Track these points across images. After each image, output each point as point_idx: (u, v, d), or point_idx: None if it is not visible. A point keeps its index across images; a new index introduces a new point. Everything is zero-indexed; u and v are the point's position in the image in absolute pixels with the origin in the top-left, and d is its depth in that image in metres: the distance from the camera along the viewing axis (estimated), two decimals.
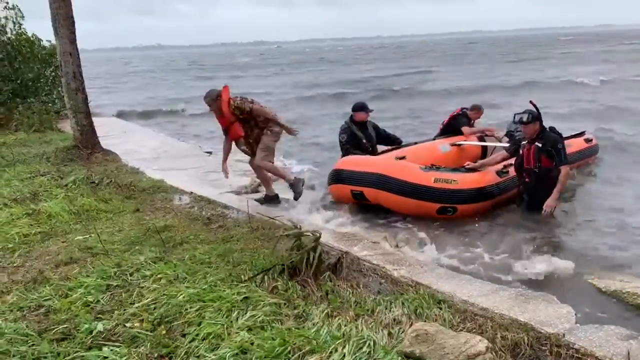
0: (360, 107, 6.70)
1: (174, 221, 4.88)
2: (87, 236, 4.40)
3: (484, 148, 7.64)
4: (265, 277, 3.47)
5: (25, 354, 2.56)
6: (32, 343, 2.66)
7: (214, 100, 5.68)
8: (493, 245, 4.87)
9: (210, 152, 9.51)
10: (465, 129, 7.60)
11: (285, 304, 3.15)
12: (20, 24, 12.45)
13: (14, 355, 2.58)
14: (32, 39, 12.78)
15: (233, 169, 7.88)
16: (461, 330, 2.94)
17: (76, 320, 2.89)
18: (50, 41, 12.78)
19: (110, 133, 10.83)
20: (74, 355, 2.57)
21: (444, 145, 7.28)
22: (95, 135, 8.51)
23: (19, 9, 12.29)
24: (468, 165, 5.99)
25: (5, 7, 12.10)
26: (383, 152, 6.70)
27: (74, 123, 8.38)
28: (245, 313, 2.95)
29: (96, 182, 6.33)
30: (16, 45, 12.09)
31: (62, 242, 4.34)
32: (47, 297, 3.22)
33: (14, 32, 12.28)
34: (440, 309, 3.22)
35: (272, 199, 6.13)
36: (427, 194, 5.45)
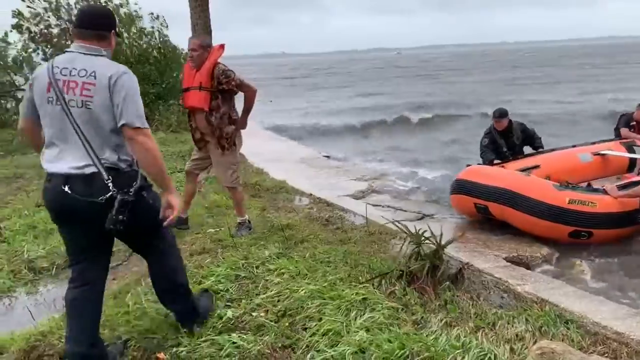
0: (499, 115, 6.45)
1: (295, 220, 5.08)
2: (218, 229, 4.72)
3: (632, 160, 6.62)
4: (383, 280, 3.51)
5: (166, 332, 2.83)
6: (171, 323, 2.92)
7: (203, 47, 4.29)
8: (630, 267, 4.49)
9: (328, 156, 9.74)
10: (624, 130, 6.88)
11: (403, 309, 3.17)
12: (165, 33, 13.66)
13: (154, 333, 2.86)
14: (175, 46, 13.94)
15: (349, 173, 8.05)
16: (592, 353, 2.76)
17: None
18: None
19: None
20: (206, 337, 2.79)
21: (585, 154, 6.56)
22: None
23: (164, 19, 13.48)
24: (618, 192, 5.20)
25: (152, 18, 13.33)
26: (517, 158, 6.38)
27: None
28: (364, 314, 3.01)
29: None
30: (162, 52, 13.22)
31: (196, 233, 4.70)
32: None
33: (160, 40, 13.48)
34: (568, 328, 3.05)
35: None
36: (559, 216, 5.00)
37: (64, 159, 2.35)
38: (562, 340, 2.88)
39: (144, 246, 2.66)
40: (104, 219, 2.29)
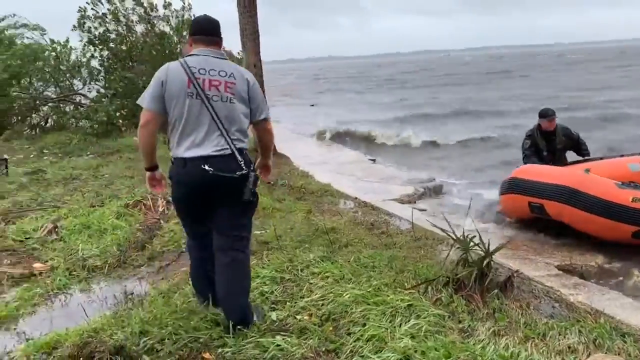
0: (544, 114, 6.22)
1: (340, 224, 5.07)
2: (263, 231, 4.77)
3: None
4: (429, 287, 3.45)
5: (212, 331, 2.87)
6: (217, 324, 2.97)
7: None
8: None
9: (374, 160, 9.70)
10: None
11: (449, 316, 3.11)
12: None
13: (200, 331, 2.90)
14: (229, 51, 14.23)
15: (396, 178, 7.98)
16: None
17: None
18: (240, 53, 14.16)
19: (285, 139, 11.59)
20: (250, 339, 2.81)
21: (635, 164, 6.33)
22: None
23: None
24: None
25: None
26: (565, 164, 6.18)
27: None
28: (409, 320, 2.97)
29: (272, 182, 6.83)
30: None
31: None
32: None
33: None
34: (625, 342, 2.91)
35: None
36: (622, 215, 4.80)
37: (203, 144, 2.77)
38: (618, 354, 2.75)
39: (234, 228, 2.93)
40: (235, 192, 2.80)
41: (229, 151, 2.79)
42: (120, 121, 12.20)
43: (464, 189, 8.06)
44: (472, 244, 3.63)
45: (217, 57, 2.87)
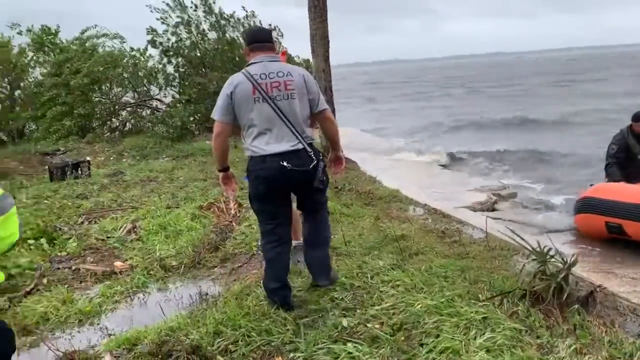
0: (638, 117, 5.84)
1: (410, 231, 4.99)
2: (332, 236, 4.76)
3: None
4: (505, 299, 3.32)
5: (284, 335, 2.90)
6: (288, 327, 3.00)
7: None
8: None
9: (444, 166, 9.50)
10: None
11: (526, 331, 2.98)
12: (280, 42, 14.18)
13: (273, 335, 2.94)
14: (290, 54, 14.42)
15: (467, 184, 7.78)
16: None
17: (324, 314, 3.17)
18: (299, 57, 14.38)
19: (351, 143, 11.59)
20: (322, 345, 2.82)
21: None
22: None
23: (279, 29, 14.00)
24: None
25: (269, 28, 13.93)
26: None
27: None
28: (484, 333, 2.87)
29: (339, 187, 6.85)
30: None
31: None
32: (299, 288, 3.59)
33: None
34: None
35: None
36: None
37: (278, 142, 3.06)
38: None
39: (315, 202, 3.36)
40: (309, 182, 3.13)
41: (300, 146, 3.09)
42: (194, 125, 12.65)
43: (538, 196, 7.75)
44: (549, 255, 3.48)
45: (273, 61, 3.18)
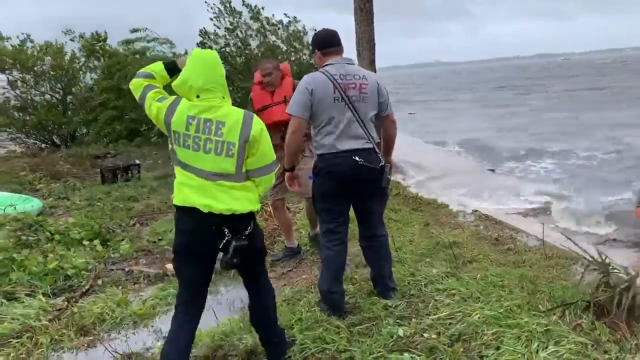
0: None
1: (462, 238, 4.87)
2: None
3: None
4: (567, 311, 3.18)
5: (338, 342, 2.85)
6: (342, 335, 2.95)
7: (276, 68, 4.47)
8: None
9: (493, 170, 9.27)
10: None
11: (592, 345, 2.83)
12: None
13: (327, 342, 2.90)
14: None
15: (518, 189, 7.56)
16: None
17: (378, 322, 3.10)
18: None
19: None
20: (378, 354, 2.76)
21: None
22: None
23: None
24: None
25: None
26: None
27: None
28: (547, 346, 2.75)
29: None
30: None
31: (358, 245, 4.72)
32: (351, 295, 3.54)
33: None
34: None
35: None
36: None
37: (351, 140, 3.20)
38: None
39: (372, 212, 3.45)
40: (375, 181, 3.25)
41: (371, 145, 3.25)
42: None
43: (594, 201, 7.43)
44: (611, 266, 3.32)
45: (348, 63, 3.33)
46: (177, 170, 2.54)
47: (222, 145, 2.43)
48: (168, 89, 2.63)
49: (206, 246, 2.47)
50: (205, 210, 2.41)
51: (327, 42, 3.37)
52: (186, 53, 14.23)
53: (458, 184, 7.94)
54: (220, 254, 2.48)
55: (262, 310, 2.75)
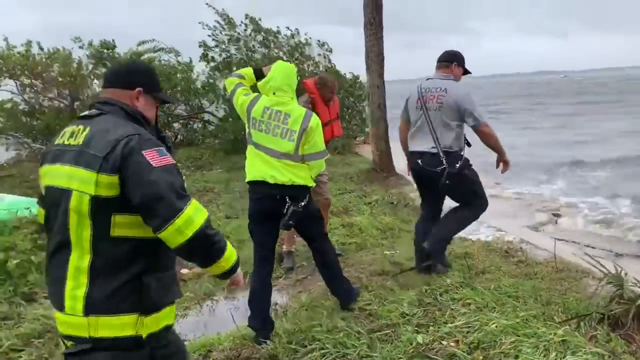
0: None
1: (472, 249, 4.91)
2: (394, 252, 4.76)
3: None
4: (582, 323, 3.23)
5: (359, 348, 2.90)
6: (363, 341, 2.99)
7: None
8: None
9: (499, 183, 9.30)
10: None
11: (609, 356, 2.88)
12: (330, 59, 14.23)
13: (348, 348, 2.94)
14: (338, 71, 14.44)
15: (526, 202, 7.61)
16: None
17: (396, 329, 3.15)
18: (353, 73, 14.41)
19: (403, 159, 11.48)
20: None
21: None
22: (391, 161, 9.08)
23: (327, 45, 14.07)
24: None
25: (318, 44, 13.99)
26: None
27: (374, 148, 9.17)
28: (564, 356, 2.79)
29: (394, 202, 6.82)
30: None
31: (372, 254, 4.79)
32: (368, 302, 3.59)
33: (326, 66, 14.08)
34: None
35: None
36: None
37: (421, 143, 3.88)
38: None
39: (462, 199, 4.05)
40: (434, 181, 3.83)
41: (435, 150, 3.80)
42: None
43: (604, 214, 7.47)
44: (626, 279, 3.37)
45: (440, 78, 3.93)
46: (250, 149, 3.23)
47: (286, 132, 3.13)
48: (253, 88, 3.40)
49: (273, 210, 3.17)
50: (272, 182, 3.12)
51: (438, 58, 4.03)
52: (190, 63, 14.36)
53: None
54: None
55: (323, 265, 3.50)
